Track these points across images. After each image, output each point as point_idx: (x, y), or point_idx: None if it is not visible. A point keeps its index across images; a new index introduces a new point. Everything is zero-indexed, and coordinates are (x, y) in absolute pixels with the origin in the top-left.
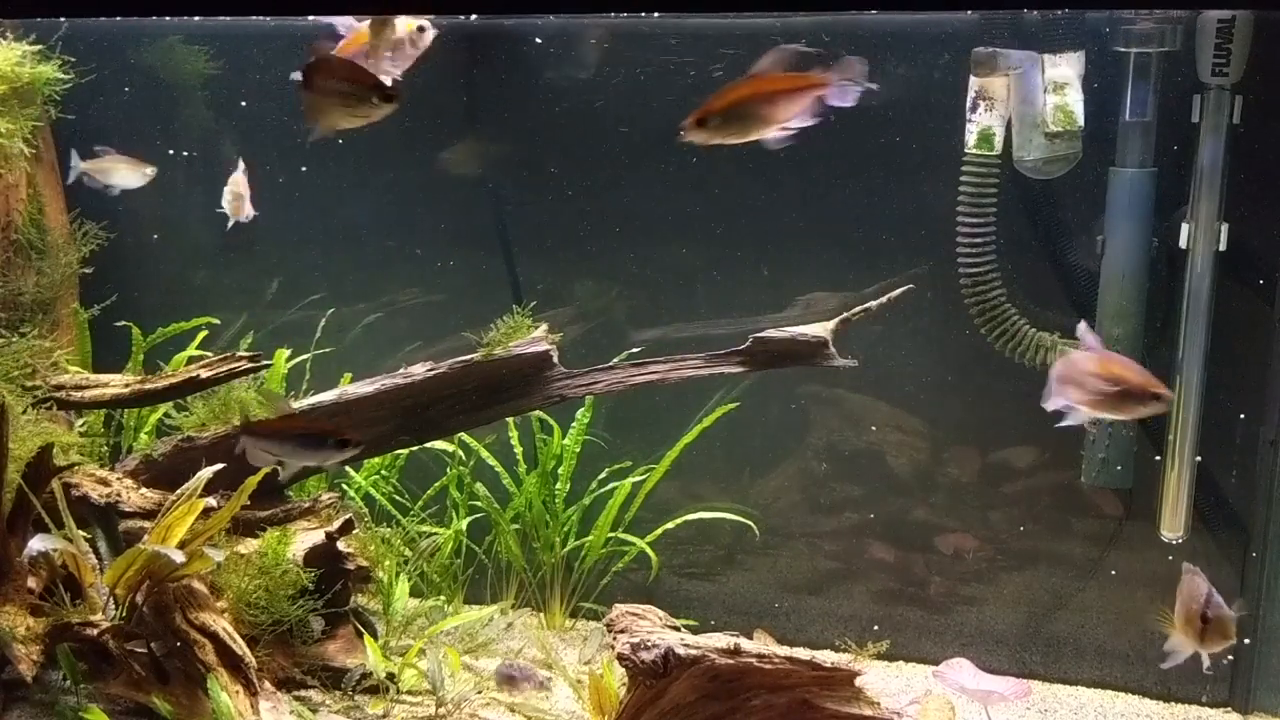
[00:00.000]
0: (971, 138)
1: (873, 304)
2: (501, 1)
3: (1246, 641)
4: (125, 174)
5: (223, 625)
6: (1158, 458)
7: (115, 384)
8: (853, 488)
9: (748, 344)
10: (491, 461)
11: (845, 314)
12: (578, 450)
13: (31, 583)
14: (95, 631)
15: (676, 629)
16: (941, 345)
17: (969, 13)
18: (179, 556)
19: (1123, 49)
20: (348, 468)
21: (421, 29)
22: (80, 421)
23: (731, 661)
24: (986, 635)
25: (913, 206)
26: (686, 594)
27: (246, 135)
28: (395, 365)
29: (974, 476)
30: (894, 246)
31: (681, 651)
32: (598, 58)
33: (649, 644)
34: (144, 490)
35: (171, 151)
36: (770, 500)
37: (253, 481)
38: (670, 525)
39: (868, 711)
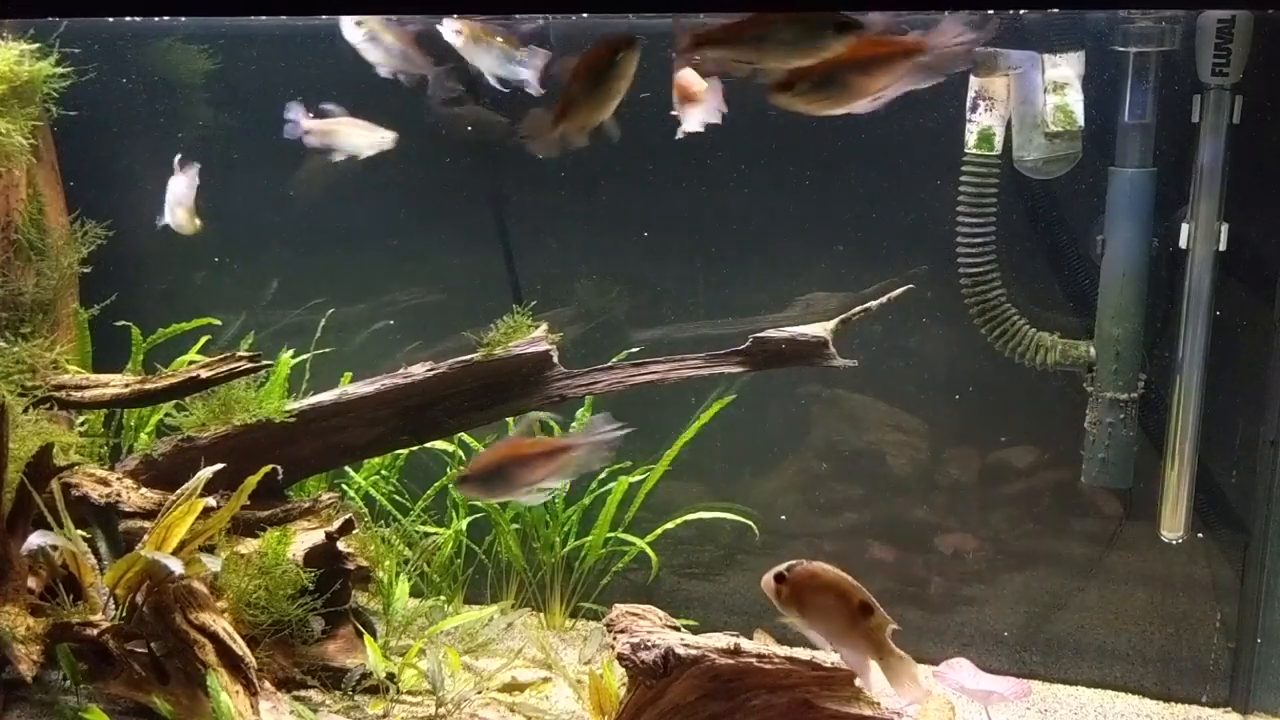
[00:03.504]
0: (971, 138)
1: (873, 304)
2: (501, 2)
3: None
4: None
5: (223, 625)
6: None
7: (115, 384)
8: (853, 488)
9: (748, 344)
10: None
11: (845, 314)
12: None
13: (32, 583)
14: (95, 631)
15: (676, 629)
16: (941, 345)
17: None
18: (178, 568)
19: (1122, 49)
20: (348, 468)
21: None
22: (80, 421)
23: (731, 661)
24: (986, 635)
25: (913, 206)
26: (686, 594)
27: (248, 136)
28: (395, 365)
29: (974, 477)
30: (894, 246)
31: (681, 651)
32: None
33: (649, 644)
34: (144, 490)
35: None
36: (770, 500)
37: (252, 481)
38: (670, 525)
39: (868, 711)
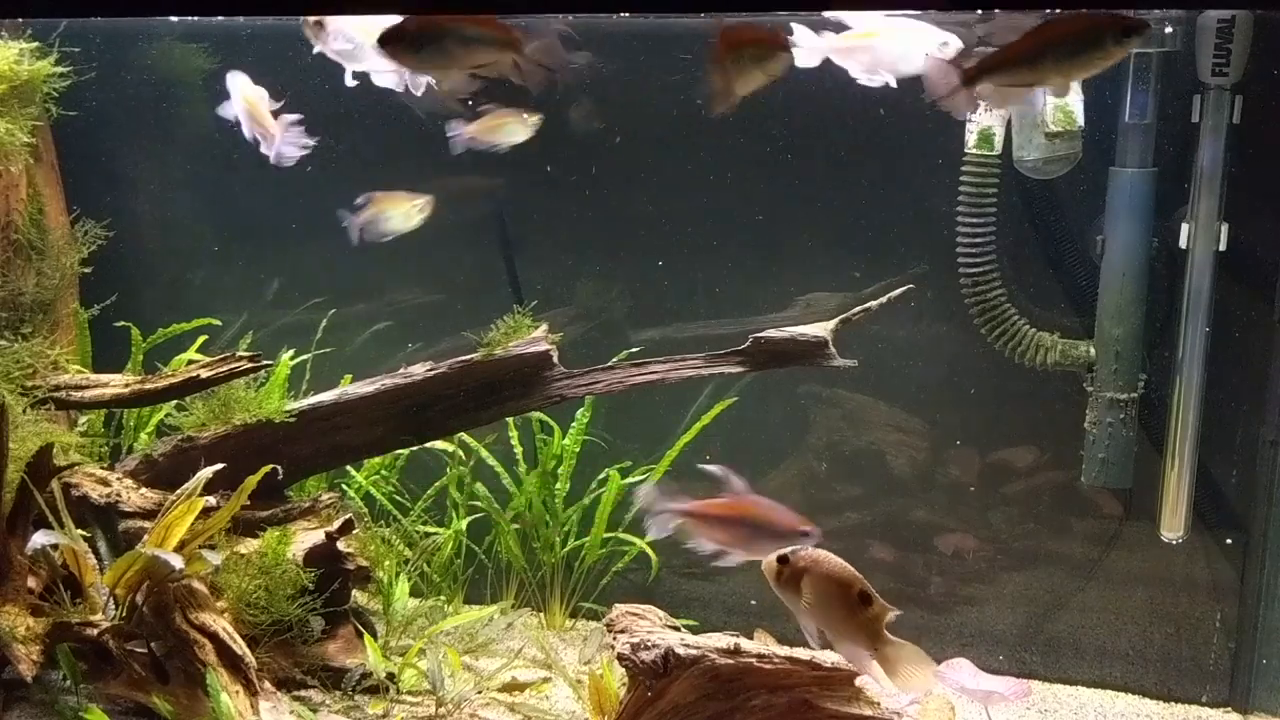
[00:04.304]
0: (971, 138)
1: (873, 304)
2: (501, 2)
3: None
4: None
5: (223, 625)
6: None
7: (115, 384)
8: (853, 488)
9: (748, 344)
10: (491, 461)
11: (845, 314)
12: (578, 450)
13: (32, 583)
14: (95, 631)
15: (676, 629)
16: (941, 345)
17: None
18: (178, 563)
19: None
20: (348, 468)
21: None
22: (80, 421)
23: (731, 661)
24: (986, 635)
25: (913, 206)
26: (686, 594)
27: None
28: (395, 365)
29: (974, 477)
30: (894, 246)
31: (681, 651)
32: (598, 57)
33: (649, 644)
34: (144, 490)
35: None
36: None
37: (252, 481)
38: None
39: (868, 711)
